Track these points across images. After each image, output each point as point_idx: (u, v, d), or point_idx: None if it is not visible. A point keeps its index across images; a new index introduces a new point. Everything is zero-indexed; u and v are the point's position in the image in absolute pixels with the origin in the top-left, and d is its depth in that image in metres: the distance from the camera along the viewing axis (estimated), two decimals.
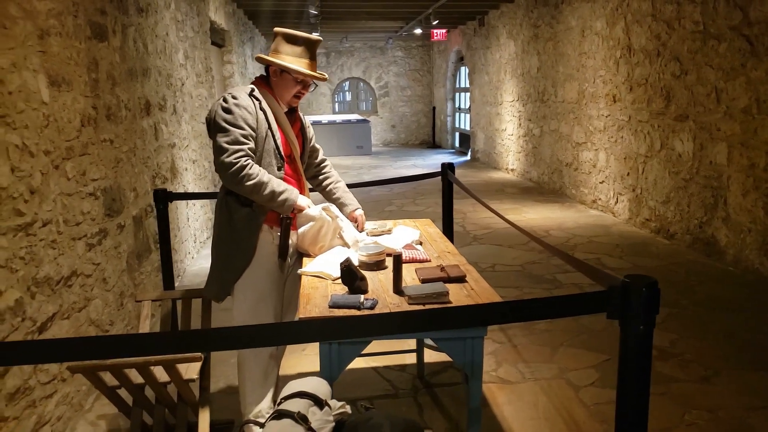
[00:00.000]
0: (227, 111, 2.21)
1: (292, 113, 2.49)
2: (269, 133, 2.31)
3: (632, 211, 6.24)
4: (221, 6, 7.63)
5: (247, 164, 2.18)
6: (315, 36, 2.41)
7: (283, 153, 2.37)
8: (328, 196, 2.71)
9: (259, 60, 2.40)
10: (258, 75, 2.47)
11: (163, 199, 3.30)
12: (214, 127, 2.24)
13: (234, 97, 2.24)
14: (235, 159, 2.16)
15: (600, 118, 6.89)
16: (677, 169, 5.42)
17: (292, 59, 2.33)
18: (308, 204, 2.39)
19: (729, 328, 3.53)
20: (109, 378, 2.07)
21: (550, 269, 4.72)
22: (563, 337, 3.46)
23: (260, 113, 2.28)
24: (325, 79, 2.48)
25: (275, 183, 2.25)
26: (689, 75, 5.17)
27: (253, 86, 2.35)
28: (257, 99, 2.30)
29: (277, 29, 2.39)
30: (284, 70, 2.33)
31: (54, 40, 2.63)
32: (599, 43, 6.79)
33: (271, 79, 2.39)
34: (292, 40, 2.35)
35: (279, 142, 2.34)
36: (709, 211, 5.00)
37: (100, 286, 3.04)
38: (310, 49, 2.37)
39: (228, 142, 2.18)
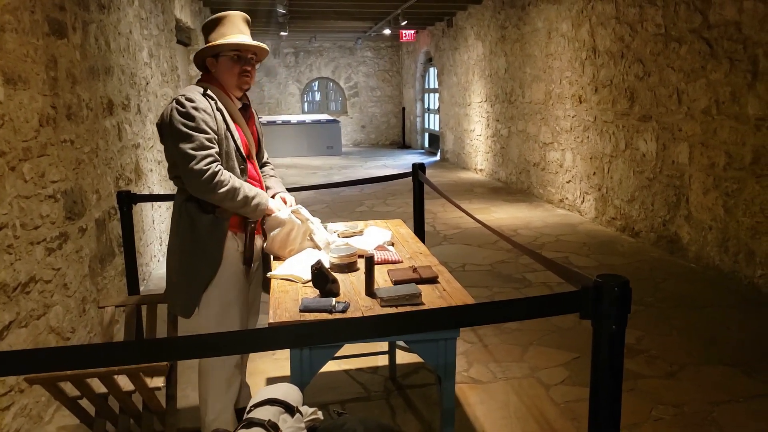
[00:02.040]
0: (186, 116, 2.07)
1: (246, 110, 2.36)
2: (228, 134, 2.19)
3: (598, 210, 6.36)
4: (187, 4, 7.48)
5: (218, 170, 2.08)
6: (234, 11, 2.28)
7: (244, 153, 2.27)
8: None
9: (196, 58, 2.27)
10: (201, 75, 2.31)
11: (127, 201, 3.21)
12: (172, 134, 2.10)
13: (190, 100, 2.10)
14: (205, 166, 2.04)
15: (566, 118, 7.01)
16: (641, 168, 5.54)
17: (219, 39, 2.21)
18: (278, 207, 2.33)
19: (692, 324, 3.62)
20: (70, 388, 1.99)
21: (519, 268, 4.77)
22: (533, 336, 3.50)
23: (218, 114, 2.16)
24: (263, 48, 2.28)
25: (246, 188, 2.17)
26: (652, 76, 5.30)
27: (204, 85, 2.22)
28: (212, 98, 2.17)
29: (202, 26, 2.30)
30: (219, 54, 2.20)
31: (9, 36, 2.52)
32: (565, 45, 6.90)
33: (212, 74, 2.25)
34: (212, 23, 2.24)
35: (239, 142, 2.24)
36: (672, 209, 5.13)
37: (61, 292, 2.93)
38: (233, 22, 2.24)
39: (194, 149, 2.05)
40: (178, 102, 2.10)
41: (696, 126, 4.76)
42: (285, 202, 2.45)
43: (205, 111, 2.11)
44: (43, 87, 2.84)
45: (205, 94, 2.16)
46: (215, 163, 2.09)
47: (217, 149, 2.13)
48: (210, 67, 2.25)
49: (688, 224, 4.91)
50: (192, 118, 2.08)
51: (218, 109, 2.18)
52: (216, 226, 2.18)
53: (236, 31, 2.24)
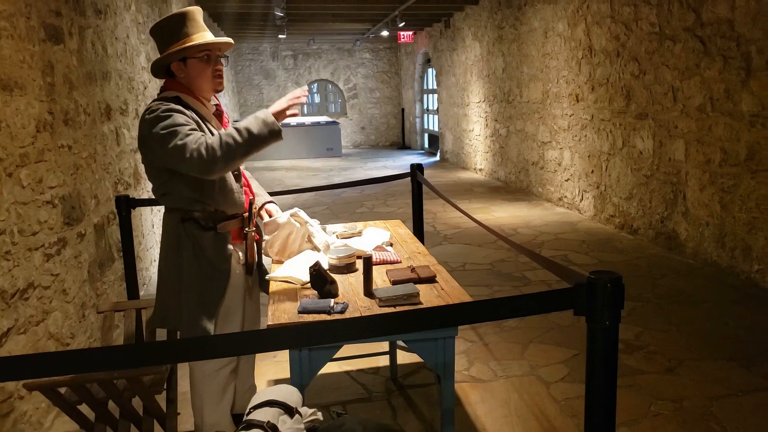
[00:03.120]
0: (160, 118, 1.91)
1: (220, 115, 2.20)
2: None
3: (597, 208, 6.37)
4: (184, 8, 7.50)
5: (205, 141, 1.88)
6: (188, 8, 2.07)
7: None
8: None
9: (156, 64, 2.06)
10: (162, 85, 2.12)
11: (126, 205, 3.22)
12: (154, 142, 1.92)
13: (158, 106, 1.94)
14: (196, 146, 1.86)
15: (564, 117, 7.02)
16: (639, 166, 5.55)
17: (181, 41, 2.01)
18: (281, 105, 2.02)
19: (690, 320, 3.63)
20: (69, 394, 1.99)
21: (518, 267, 4.78)
22: (533, 334, 3.51)
23: (193, 118, 2.00)
24: (231, 43, 2.12)
25: (238, 126, 1.93)
26: (647, 75, 5.31)
27: (175, 94, 2.03)
28: (186, 106, 2.00)
29: (151, 29, 2.08)
30: (186, 57, 2.02)
31: (5, 42, 2.53)
32: (561, 44, 6.92)
33: (179, 79, 2.06)
34: (167, 25, 2.03)
35: None
36: (669, 206, 5.14)
37: (60, 298, 2.94)
38: (191, 20, 2.05)
39: (181, 138, 1.87)
40: (150, 110, 1.95)
41: (691, 123, 4.78)
42: (270, 215, 2.36)
43: (177, 111, 1.95)
44: (39, 93, 2.85)
45: (178, 103, 2.00)
46: (200, 137, 1.90)
47: (201, 134, 1.95)
48: (177, 72, 2.05)
49: (686, 221, 4.92)
50: (166, 118, 1.91)
51: (194, 119, 2.00)
52: (220, 241, 2.10)
53: (200, 29, 2.07)
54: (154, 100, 2.03)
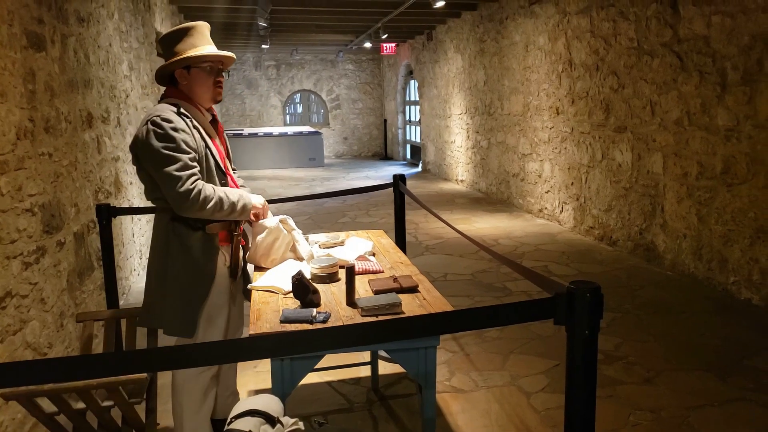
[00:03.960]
0: (166, 138, 2.03)
1: (214, 124, 2.32)
2: (207, 150, 2.18)
3: (577, 220, 6.46)
4: (167, 17, 7.48)
5: (201, 187, 2.07)
6: (198, 22, 2.23)
7: (223, 168, 2.27)
8: None
9: (161, 71, 2.19)
10: (164, 91, 2.23)
11: (107, 214, 3.19)
12: (153, 157, 2.04)
13: (167, 120, 2.05)
14: (191, 185, 2.03)
15: (544, 129, 7.12)
16: (617, 178, 5.65)
17: (189, 50, 2.14)
18: (261, 202, 2.32)
19: (668, 331, 3.69)
20: (46, 404, 1.96)
21: (500, 278, 4.82)
22: (514, 345, 3.53)
23: (194, 132, 2.14)
24: (233, 58, 2.26)
25: (229, 193, 2.16)
26: (626, 89, 5.42)
27: (176, 102, 2.16)
28: (186, 116, 2.13)
29: (159, 40, 2.22)
30: (190, 66, 2.14)
31: None
32: (542, 58, 7.04)
33: (181, 86, 2.18)
34: (176, 35, 2.15)
35: (218, 157, 2.24)
36: (647, 218, 5.23)
37: (38, 307, 2.89)
38: (200, 32, 2.18)
39: (178, 170, 2.02)
40: (154, 123, 2.05)
41: (669, 137, 4.88)
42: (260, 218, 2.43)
43: (183, 131, 2.08)
44: (20, 100, 2.82)
45: (179, 114, 2.11)
46: (198, 181, 2.08)
47: (198, 168, 2.12)
48: (180, 79, 2.17)
49: (664, 233, 5.01)
50: (172, 140, 2.04)
51: (194, 127, 2.15)
52: (207, 242, 2.18)
53: (206, 41, 2.19)
54: (158, 104, 2.15)
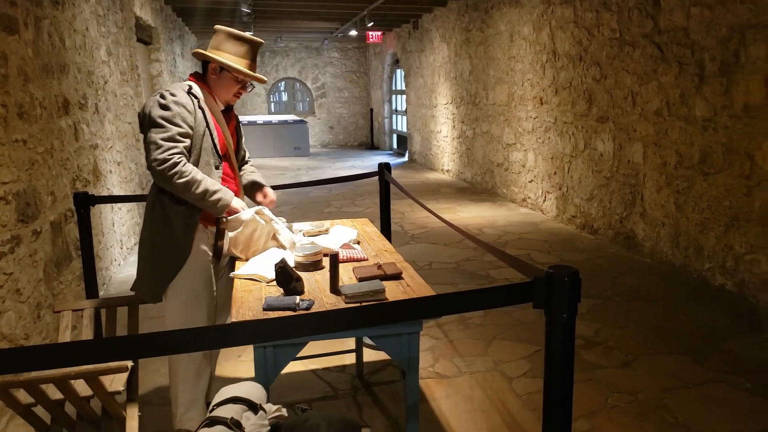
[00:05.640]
0: (165, 108, 2.15)
1: (228, 112, 2.46)
2: (207, 131, 2.27)
3: (559, 209, 6.52)
4: (147, 1, 7.34)
5: (180, 161, 2.14)
6: (258, 39, 2.40)
7: (220, 151, 2.34)
8: (242, 182, 2.65)
9: (198, 55, 2.34)
10: (193, 72, 2.41)
11: (84, 203, 3.14)
12: (148, 123, 2.17)
13: (172, 94, 2.18)
14: (168, 155, 2.12)
15: (528, 119, 7.16)
16: (599, 167, 5.71)
17: (235, 58, 2.31)
18: (242, 206, 2.35)
19: (646, 317, 3.76)
20: (23, 395, 1.93)
21: (483, 266, 4.85)
22: (496, 331, 3.57)
23: (198, 111, 2.25)
24: (264, 82, 2.45)
25: (209, 182, 2.21)
26: (608, 79, 5.46)
27: (190, 83, 2.30)
28: (195, 97, 2.26)
29: (219, 27, 2.37)
30: (225, 69, 2.30)
31: None
32: (527, 48, 7.05)
33: (209, 77, 2.34)
34: (236, 38, 2.33)
35: (216, 140, 2.31)
36: (628, 207, 5.30)
37: (13, 298, 2.84)
38: (253, 50, 2.36)
39: (163, 139, 2.13)
40: (162, 95, 2.18)
41: (649, 127, 4.94)
42: (266, 196, 2.58)
43: (185, 106, 2.19)
44: None
45: (189, 92, 2.24)
46: (179, 155, 2.14)
47: (187, 144, 2.19)
48: (211, 72, 2.33)
49: (643, 221, 5.08)
50: (170, 110, 2.15)
51: (200, 107, 2.25)
52: (188, 217, 2.24)
53: (251, 57, 2.35)
54: (172, 85, 2.28)
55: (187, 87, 2.26)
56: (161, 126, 2.14)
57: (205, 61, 2.35)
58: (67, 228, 3.71)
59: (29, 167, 3.15)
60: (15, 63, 3.05)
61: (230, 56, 2.30)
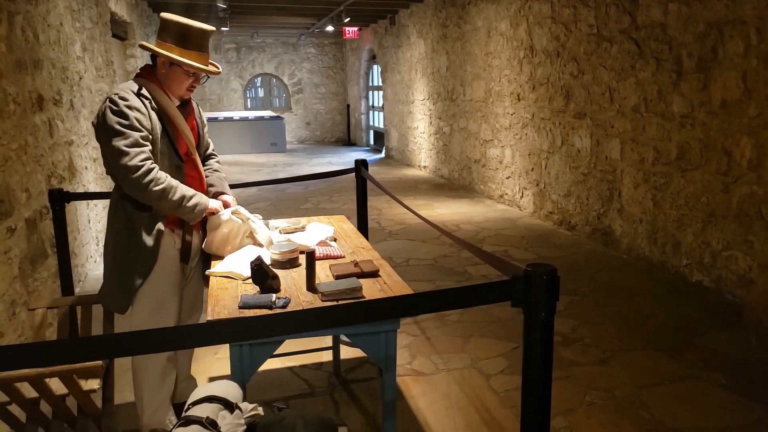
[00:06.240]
0: (119, 114, 2.05)
1: (185, 105, 2.34)
2: (164, 133, 2.18)
3: (536, 205, 6.58)
4: None
5: (153, 167, 2.07)
6: (207, 26, 2.24)
7: (180, 152, 2.25)
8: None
9: (145, 48, 2.22)
10: (144, 65, 2.27)
11: (60, 199, 3.08)
12: (105, 131, 2.06)
13: (123, 98, 2.07)
14: (139, 162, 2.03)
15: (506, 116, 7.21)
16: (577, 164, 5.78)
17: (184, 51, 2.17)
18: (219, 206, 2.32)
19: (623, 313, 3.81)
20: None
21: (461, 262, 4.88)
22: (474, 328, 3.59)
23: (152, 113, 2.14)
24: (218, 73, 2.31)
25: (183, 187, 2.16)
26: (586, 75, 5.52)
27: (138, 83, 2.17)
28: (146, 98, 2.14)
29: (165, 15, 2.22)
30: (174, 63, 2.18)
31: None
32: (504, 44, 7.09)
33: (158, 72, 2.21)
34: (184, 27, 2.18)
35: (176, 142, 2.23)
36: (605, 203, 5.37)
37: None
38: (204, 39, 2.22)
39: (128, 145, 2.03)
40: (111, 101, 2.08)
41: (627, 123, 5.01)
42: (227, 206, 2.41)
43: (138, 110, 2.09)
44: None
45: (139, 94, 2.13)
46: (149, 161, 2.07)
47: (150, 147, 2.11)
48: (160, 67, 2.20)
49: (621, 217, 5.16)
50: (126, 116, 2.06)
51: (153, 108, 2.15)
52: (152, 222, 2.17)
53: (200, 47, 2.21)
54: (120, 87, 2.15)
55: (136, 87, 2.14)
56: (121, 133, 2.04)
57: (154, 56, 2.22)
58: (43, 225, 3.64)
59: (2, 164, 3.08)
60: None
61: (178, 49, 2.16)
